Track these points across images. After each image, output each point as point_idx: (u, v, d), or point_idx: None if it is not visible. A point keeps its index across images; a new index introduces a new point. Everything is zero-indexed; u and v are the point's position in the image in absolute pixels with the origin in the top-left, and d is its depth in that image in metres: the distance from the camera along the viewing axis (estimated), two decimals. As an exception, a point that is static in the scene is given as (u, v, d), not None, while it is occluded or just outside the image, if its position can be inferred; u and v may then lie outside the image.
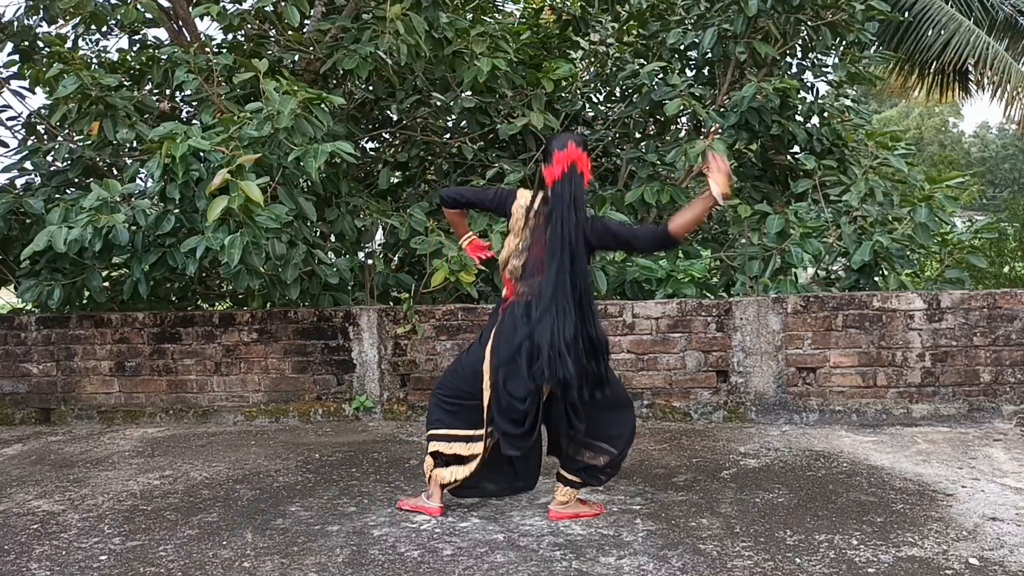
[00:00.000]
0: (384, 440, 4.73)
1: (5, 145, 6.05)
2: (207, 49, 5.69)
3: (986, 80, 10.56)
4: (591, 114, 7.19)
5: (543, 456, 3.39)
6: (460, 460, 3.35)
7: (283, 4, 5.57)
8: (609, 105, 7.30)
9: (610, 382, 3.22)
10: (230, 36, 6.28)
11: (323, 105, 4.85)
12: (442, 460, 3.38)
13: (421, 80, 6.12)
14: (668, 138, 6.90)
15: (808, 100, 6.45)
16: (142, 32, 6.52)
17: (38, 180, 5.79)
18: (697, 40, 6.13)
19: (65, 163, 5.73)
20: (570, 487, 3.34)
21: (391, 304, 5.70)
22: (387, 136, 7.00)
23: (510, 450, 3.21)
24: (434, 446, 3.38)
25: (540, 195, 3.25)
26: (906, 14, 9.64)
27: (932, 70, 10.81)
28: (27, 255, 4.75)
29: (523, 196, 3.30)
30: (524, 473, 3.37)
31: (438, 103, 6.43)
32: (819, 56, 6.69)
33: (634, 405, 3.42)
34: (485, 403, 3.23)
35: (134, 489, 3.93)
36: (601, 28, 7.17)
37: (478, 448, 3.31)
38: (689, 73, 6.87)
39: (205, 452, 4.60)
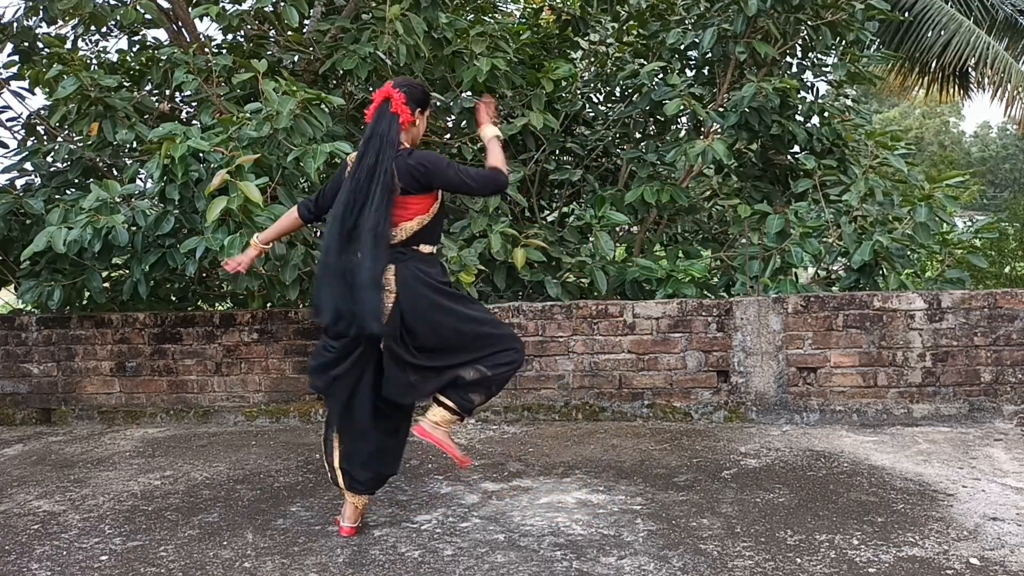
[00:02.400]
0: (384, 440, 4.73)
1: (5, 146, 6.05)
2: (206, 50, 5.69)
3: (986, 80, 10.55)
4: (591, 114, 7.20)
5: (393, 446, 3.26)
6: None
7: (282, 5, 5.57)
8: (609, 105, 7.30)
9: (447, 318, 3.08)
10: (229, 37, 6.28)
11: (322, 105, 4.85)
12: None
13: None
14: (668, 138, 6.89)
15: (808, 100, 6.45)
16: (141, 33, 6.52)
17: (38, 181, 5.79)
18: (697, 40, 6.12)
19: (65, 164, 5.73)
20: (443, 409, 3.14)
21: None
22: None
23: (313, 382, 3.16)
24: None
25: None
26: (906, 14, 9.64)
27: (932, 70, 10.80)
28: (27, 256, 4.75)
29: (352, 159, 3.17)
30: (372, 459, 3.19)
31: (438, 103, 6.43)
32: (819, 56, 6.69)
33: (521, 355, 3.20)
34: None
35: (135, 489, 3.93)
36: (601, 28, 7.17)
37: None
38: (689, 73, 6.86)
39: (206, 452, 4.60)
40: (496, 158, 3.17)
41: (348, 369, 3.11)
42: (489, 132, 3.26)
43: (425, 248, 3.13)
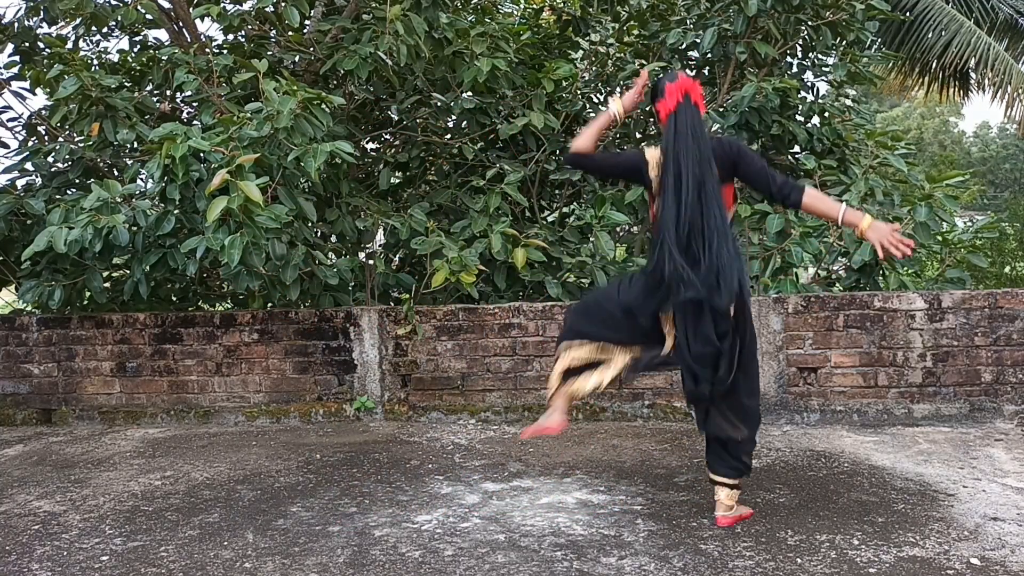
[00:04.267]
0: (385, 440, 4.73)
1: (6, 146, 6.05)
2: (207, 50, 5.69)
3: (987, 81, 10.55)
4: (592, 114, 7.19)
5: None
6: (595, 365, 3.21)
7: (283, 5, 5.57)
8: (610, 105, 7.29)
9: (742, 352, 3.12)
10: (230, 37, 6.28)
11: (323, 105, 4.86)
12: (574, 372, 3.23)
13: (421, 80, 6.12)
14: (669, 138, 6.88)
15: (808, 100, 6.45)
16: (142, 33, 6.53)
17: (39, 181, 5.79)
18: (697, 40, 6.13)
19: (66, 164, 5.73)
20: (729, 489, 3.22)
21: (392, 304, 5.70)
22: (387, 136, 7.00)
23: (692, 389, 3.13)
24: (566, 358, 3.23)
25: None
26: (907, 14, 9.64)
27: (932, 70, 10.80)
28: (28, 256, 4.75)
29: (651, 155, 3.18)
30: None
31: (438, 103, 6.43)
32: (819, 56, 6.69)
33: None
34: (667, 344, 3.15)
35: (135, 490, 3.93)
36: (601, 28, 7.17)
37: (619, 358, 3.19)
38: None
39: (206, 452, 4.60)
40: (820, 196, 3.10)
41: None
42: (853, 212, 3.06)
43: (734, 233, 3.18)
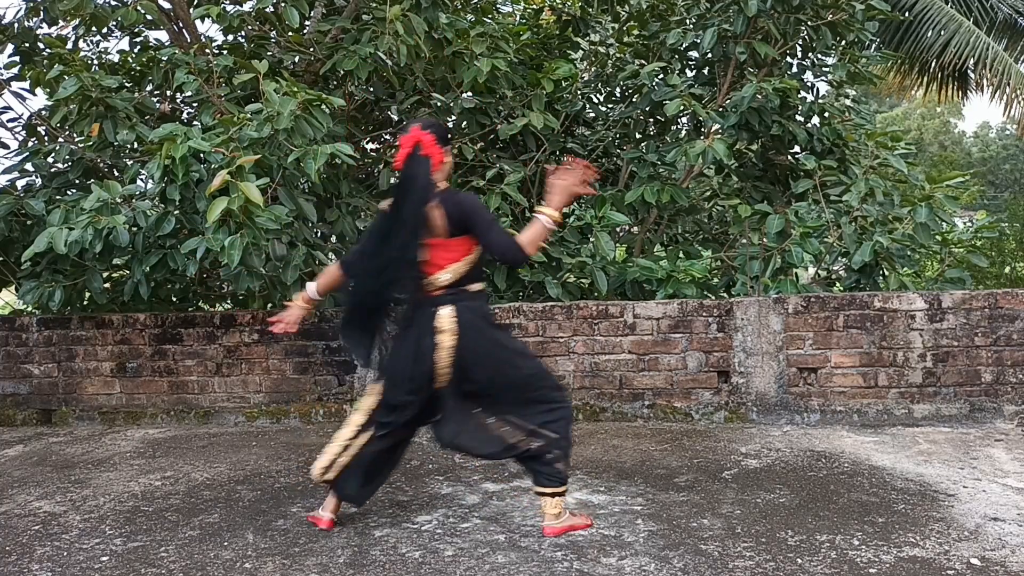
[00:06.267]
0: (385, 441, 4.73)
1: (6, 147, 6.05)
2: (207, 50, 5.69)
3: (985, 81, 10.55)
4: (591, 114, 7.20)
5: (383, 478, 3.42)
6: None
7: (283, 5, 5.57)
8: (609, 105, 7.31)
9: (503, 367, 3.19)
10: (230, 37, 6.28)
11: (323, 106, 4.85)
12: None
13: (421, 81, 6.12)
14: (668, 138, 6.90)
15: (808, 100, 6.45)
16: (142, 34, 6.52)
17: (39, 182, 5.79)
18: (697, 40, 6.13)
19: (66, 164, 5.73)
20: (549, 497, 3.19)
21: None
22: (387, 137, 7.00)
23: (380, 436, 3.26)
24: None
25: None
26: (906, 14, 9.64)
27: (931, 70, 10.80)
28: (28, 257, 4.75)
29: (386, 206, 3.28)
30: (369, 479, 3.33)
31: (438, 104, 6.43)
32: (819, 56, 6.69)
33: (567, 394, 3.37)
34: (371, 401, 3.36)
35: (135, 490, 3.94)
36: (601, 28, 7.17)
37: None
38: (689, 73, 6.86)
39: (206, 453, 4.60)
40: (531, 235, 3.08)
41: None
42: (546, 210, 3.11)
43: (475, 287, 3.22)
